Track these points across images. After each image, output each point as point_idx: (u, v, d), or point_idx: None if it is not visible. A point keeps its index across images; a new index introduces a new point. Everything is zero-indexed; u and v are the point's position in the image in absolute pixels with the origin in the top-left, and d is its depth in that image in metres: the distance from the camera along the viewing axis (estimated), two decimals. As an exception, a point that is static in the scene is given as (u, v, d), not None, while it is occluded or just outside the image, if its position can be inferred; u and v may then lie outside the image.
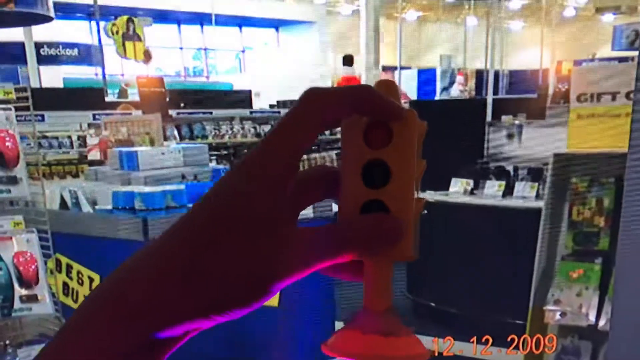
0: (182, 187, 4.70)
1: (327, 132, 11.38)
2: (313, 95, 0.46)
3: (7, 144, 3.30)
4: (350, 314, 0.48)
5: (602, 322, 3.71)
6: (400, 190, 0.46)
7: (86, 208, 4.82)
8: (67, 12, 18.06)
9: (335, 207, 0.48)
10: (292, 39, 25.85)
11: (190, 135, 10.60)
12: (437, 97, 19.21)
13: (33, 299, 3.33)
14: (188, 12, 22.48)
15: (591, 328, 3.77)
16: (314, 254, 0.45)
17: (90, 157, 8.83)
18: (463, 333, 4.97)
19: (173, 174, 5.32)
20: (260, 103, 14.37)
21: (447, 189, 6.42)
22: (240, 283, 0.44)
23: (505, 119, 6.91)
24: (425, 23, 27.64)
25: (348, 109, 0.46)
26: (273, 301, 4.41)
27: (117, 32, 14.87)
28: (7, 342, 3.43)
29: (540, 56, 20.97)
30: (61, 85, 16.49)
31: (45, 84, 15.10)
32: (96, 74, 18.09)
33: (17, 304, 3.30)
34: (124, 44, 14.93)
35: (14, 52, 15.23)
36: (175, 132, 10.30)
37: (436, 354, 4.72)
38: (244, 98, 13.61)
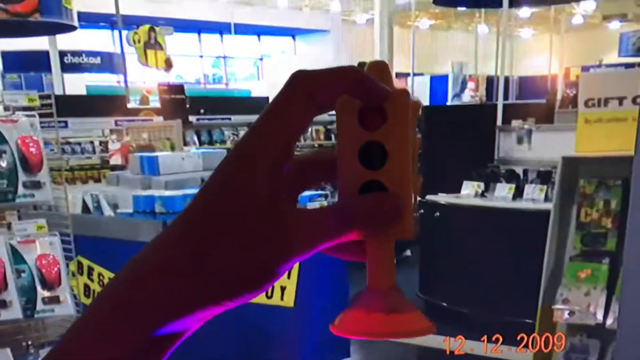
0: (202, 190, 4.76)
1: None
2: (301, 77, 0.46)
3: (31, 149, 3.26)
4: (354, 294, 0.48)
5: (609, 321, 3.71)
6: (397, 170, 0.46)
7: (107, 212, 4.83)
8: (90, 22, 18.15)
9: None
10: (308, 47, 25.85)
11: (209, 141, 10.58)
12: (449, 103, 19.09)
13: (55, 300, 3.30)
14: (208, 21, 22.43)
15: (599, 327, 3.77)
16: (317, 235, 0.45)
17: (112, 162, 8.84)
18: (474, 332, 4.97)
19: (193, 178, 5.30)
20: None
21: (459, 191, 6.44)
22: (247, 267, 0.44)
23: (515, 123, 6.84)
24: (437, 31, 27.46)
25: (338, 90, 0.46)
26: (289, 301, 4.46)
27: (139, 41, 14.96)
28: (30, 342, 3.41)
29: (549, 62, 20.86)
30: (84, 93, 16.47)
31: (68, 91, 14.99)
32: (118, 82, 18.01)
33: (39, 305, 3.27)
34: (145, 52, 15.01)
35: (39, 61, 15.30)
36: (195, 138, 10.31)
37: (448, 353, 4.76)
38: (261, 104, 13.54)
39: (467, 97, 19.19)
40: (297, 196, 0.49)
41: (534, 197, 5.91)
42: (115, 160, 8.41)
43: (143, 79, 17.16)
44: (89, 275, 4.67)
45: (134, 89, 13.91)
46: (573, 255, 4.04)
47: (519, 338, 4.16)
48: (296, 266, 4.05)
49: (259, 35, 25.87)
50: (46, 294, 3.30)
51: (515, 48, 19.09)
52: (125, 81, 13.34)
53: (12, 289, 3.20)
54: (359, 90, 0.45)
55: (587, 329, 3.91)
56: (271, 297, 4.28)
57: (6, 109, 3.51)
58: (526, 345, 4.04)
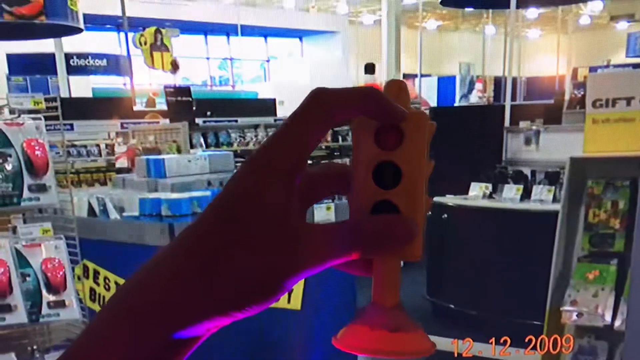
0: (208, 193, 4.72)
1: (349, 139, 11.45)
2: (321, 94, 0.46)
3: (36, 152, 3.26)
4: (359, 308, 0.49)
5: (618, 323, 3.69)
6: (410, 192, 0.46)
7: (113, 215, 4.80)
8: (96, 24, 18.21)
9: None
10: (315, 48, 25.92)
11: (216, 143, 10.54)
12: (456, 104, 19.16)
13: (60, 304, 3.29)
14: (214, 23, 22.52)
15: (607, 328, 3.75)
16: (326, 251, 0.45)
17: (118, 165, 8.84)
18: (482, 334, 4.94)
19: (199, 181, 5.29)
20: (285, 111, 14.39)
21: (467, 193, 6.44)
22: (256, 279, 0.44)
23: (523, 124, 6.87)
24: (445, 32, 27.56)
25: (355, 110, 0.46)
26: (296, 304, 4.45)
27: (145, 43, 15.00)
28: (35, 347, 3.41)
29: (557, 63, 20.86)
30: (90, 95, 16.58)
31: (74, 94, 15.08)
32: (124, 84, 18.13)
33: (44, 309, 3.26)
34: (151, 55, 15.05)
35: (44, 63, 15.27)
36: (202, 140, 10.29)
37: (456, 355, 4.74)
38: (268, 106, 13.57)
39: (474, 98, 19.24)
40: (306, 209, 0.49)
41: (542, 198, 5.91)
42: (122, 163, 8.42)
43: (149, 81, 17.22)
44: (95, 279, 4.66)
45: (140, 92, 13.95)
46: (581, 256, 4.02)
47: (527, 340, 4.12)
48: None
49: (265, 37, 25.95)
50: (51, 298, 3.30)
51: (523, 49, 19.07)
52: (132, 83, 13.38)
53: (17, 293, 3.19)
54: (376, 112, 0.46)
55: (595, 331, 3.89)
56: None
57: (12, 112, 3.51)
58: (534, 347, 4.01)
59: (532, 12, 21.64)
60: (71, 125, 9.47)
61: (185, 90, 10.29)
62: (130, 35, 14.73)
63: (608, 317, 3.77)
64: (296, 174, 0.46)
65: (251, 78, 25.99)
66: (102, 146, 10.49)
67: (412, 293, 6.65)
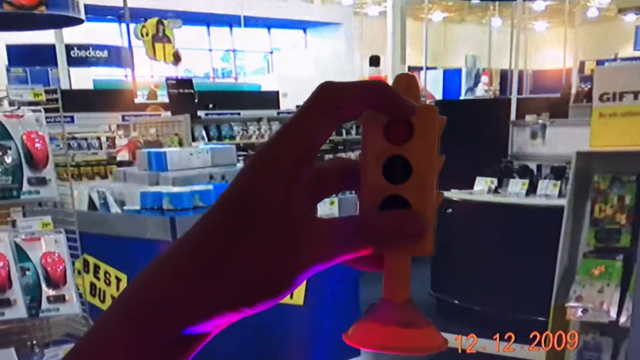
0: (210, 187, 4.71)
1: (353, 132, 11.43)
2: (328, 88, 0.46)
3: (36, 145, 3.24)
4: (369, 305, 0.48)
5: (623, 319, 3.68)
6: (421, 186, 0.46)
7: (114, 209, 4.80)
8: (97, 15, 18.23)
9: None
10: (319, 40, 25.86)
11: (218, 136, 10.51)
12: (462, 97, 19.13)
13: (60, 299, 3.28)
14: (217, 14, 22.48)
15: (612, 324, 3.74)
16: (335, 246, 0.45)
17: (119, 158, 8.87)
18: (486, 330, 4.95)
19: (201, 175, 5.29)
20: (288, 104, 14.37)
21: (472, 187, 6.44)
22: (265, 275, 0.44)
23: (529, 118, 6.87)
24: (450, 24, 27.55)
25: (362, 104, 0.46)
26: (298, 299, 4.44)
27: (147, 34, 14.99)
28: (35, 342, 3.40)
29: (564, 56, 20.81)
30: (91, 87, 16.53)
31: (75, 86, 15.02)
32: (126, 76, 18.10)
33: (44, 304, 3.24)
34: (153, 46, 15.05)
35: (45, 54, 15.15)
36: (204, 133, 10.28)
37: (460, 351, 4.72)
38: (271, 99, 13.56)
39: (480, 91, 19.19)
40: (315, 203, 0.49)
41: (548, 193, 5.92)
42: (123, 156, 8.44)
43: (151, 73, 17.20)
44: (95, 273, 4.66)
45: (142, 83, 13.91)
46: (586, 251, 4.01)
47: (531, 336, 4.13)
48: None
49: (269, 28, 25.89)
50: (51, 292, 3.29)
51: (530, 41, 19.06)
52: (133, 75, 13.36)
53: (17, 288, 3.18)
54: (385, 106, 0.46)
55: (600, 327, 3.89)
56: (280, 295, 4.27)
57: (11, 103, 3.49)
58: (539, 344, 4.03)
59: (539, 4, 21.63)
60: (72, 117, 9.43)
61: (187, 83, 10.29)
62: (132, 26, 14.72)
63: (613, 313, 3.75)
64: (301, 170, 0.45)
65: (254, 70, 25.95)
66: (103, 139, 10.52)
67: (416, 288, 6.60)
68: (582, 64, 21.03)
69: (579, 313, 3.86)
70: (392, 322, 0.46)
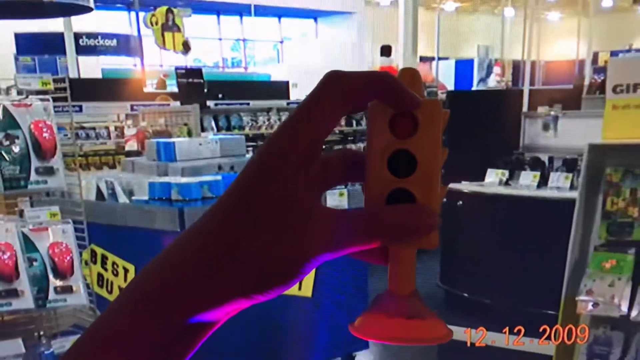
0: (219, 177, 4.69)
1: (363, 124, 11.38)
2: (335, 77, 0.46)
3: (44, 134, 3.23)
4: (375, 296, 0.49)
5: (634, 313, 3.65)
6: (426, 180, 0.47)
7: (122, 199, 4.79)
8: (106, 3, 18.19)
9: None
10: (330, 29, 25.77)
11: (227, 126, 10.47)
12: (474, 88, 19.06)
13: (68, 290, 3.27)
14: (227, 2, 22.43)
15: (623, 318, 3.71)
16: (341, 236, 0.46)
17: (127, 147, 8.87)
18: (495, 323, 4.93)
19: (210, 165, 5.30)
20: (298, 94, 14.34)
21: (483, 179, 6.39)
22: (276, 262, 0.45)
23: (541, 109, 6.85)
24: (463, 14, 27.41)
25: (370, 94, 0.46)
26: (307, 291, 4.44)
27: (157, 23, 14.98)
28: (42, 332, 3.39)
29: (577, 47, 20.65)
30: (99, 76, 16.49)
31: (83, 75, 14.95)
32: (135, 65, 18.09)
33: (51, 295, 3.24)
34: (163, 35, 15.04)
35: (53, 43, 15.10)
36: (213, 123, 10.27)
37: (469, 344, 4.71)
38: (281, 89, 13.52)
39: (492, 82, 19.15)
40: (321, 194, 0.49)
41: (559, 186, 5.88)
42: (131, 146, 8.45)
43: (160, 62, 17.20)
44: (103, 264, 4.65)
45: (151, 73, 13.91)
46: (598, 245, 3.98)
47: (541, 330, 4.10)
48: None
49: (279, 17, 25.84)
50: (58, 283, 3.28)
51: (542, 32, 18.91)
52: (142, 64, 13.37)
53: (24, 278, 3.18)
54: (390, 97, 0.46)
55: (611, 321, 3.85)
56: (289, 286, 4.27)
57: (19, 92, 3.50)
58: (548, 337, 4.00)
59: (552, -6, 21.49)
60: (80, 106, 9.45)
61: (196, 72, 10.23)
62: (141, 14, 14.74)
63: (624, 307, 3.72)
64: (309, 160, 0.46)
65: (264, 60, 25.91)
66: (112, 128, 10.52)
67: (425, 281, 6.62)
68: (595, 55, 20.90)
69: (590, 307, 3.84)
70: (397, 314, 0.47)
